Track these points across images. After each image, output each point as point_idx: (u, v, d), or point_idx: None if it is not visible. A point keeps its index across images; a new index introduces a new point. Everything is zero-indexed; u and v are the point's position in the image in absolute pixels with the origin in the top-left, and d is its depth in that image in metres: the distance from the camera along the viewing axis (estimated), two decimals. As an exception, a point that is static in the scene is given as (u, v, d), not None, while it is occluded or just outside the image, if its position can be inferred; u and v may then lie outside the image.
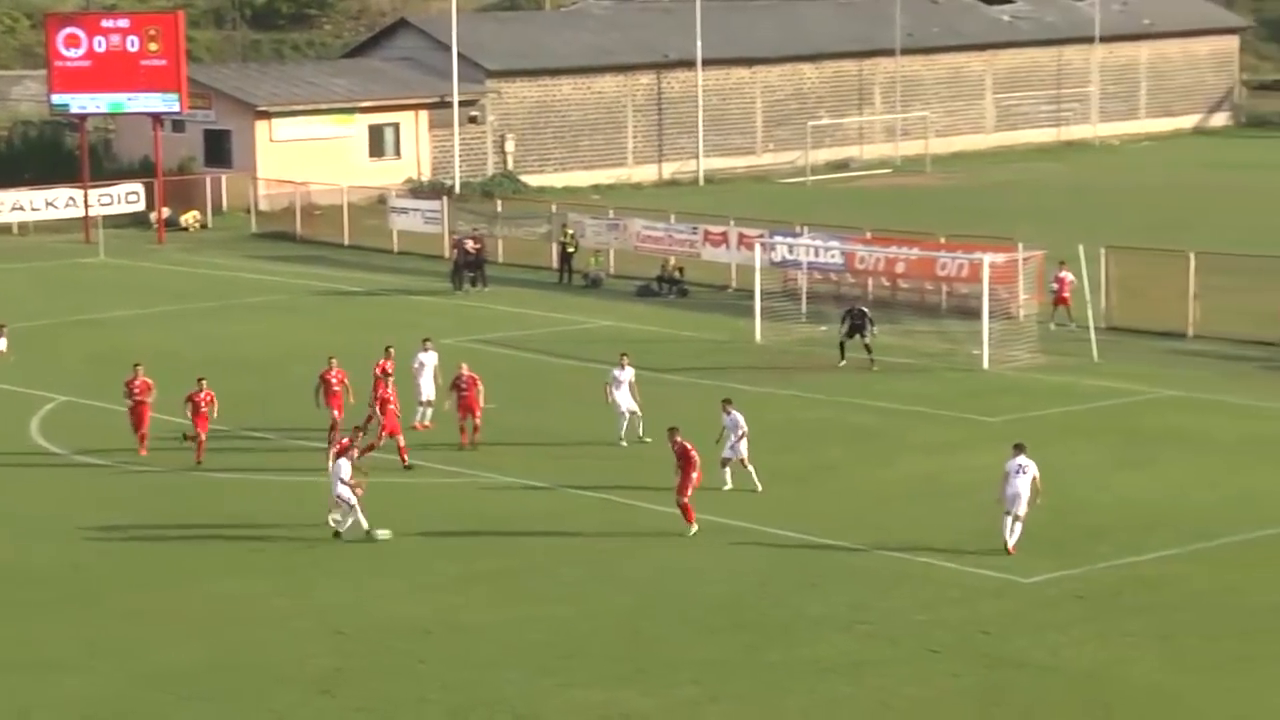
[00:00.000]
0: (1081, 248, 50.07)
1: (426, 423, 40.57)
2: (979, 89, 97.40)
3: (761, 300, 51.02)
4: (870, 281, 54.65)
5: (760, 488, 35.21)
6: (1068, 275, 50.66)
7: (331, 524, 33.32)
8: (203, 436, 38.50)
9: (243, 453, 39.20)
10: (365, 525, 32.92)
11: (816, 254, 54.54)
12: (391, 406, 38.46)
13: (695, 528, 32.75)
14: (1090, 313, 49.19)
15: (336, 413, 39.15)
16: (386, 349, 40.50)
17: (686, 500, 32.85)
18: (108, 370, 44.73)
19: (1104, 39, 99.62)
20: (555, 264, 61.74)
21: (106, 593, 30.72)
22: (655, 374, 44.57)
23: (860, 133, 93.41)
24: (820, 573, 30.98)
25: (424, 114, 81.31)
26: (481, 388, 39.34)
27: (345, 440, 34.42)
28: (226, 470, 37.95)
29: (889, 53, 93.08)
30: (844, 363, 46.23)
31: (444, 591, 30.46)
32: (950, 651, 27.26)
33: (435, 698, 25.93)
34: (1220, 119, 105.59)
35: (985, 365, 46.50)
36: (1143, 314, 50.67)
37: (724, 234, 58.99)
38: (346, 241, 69.01)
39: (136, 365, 40.09)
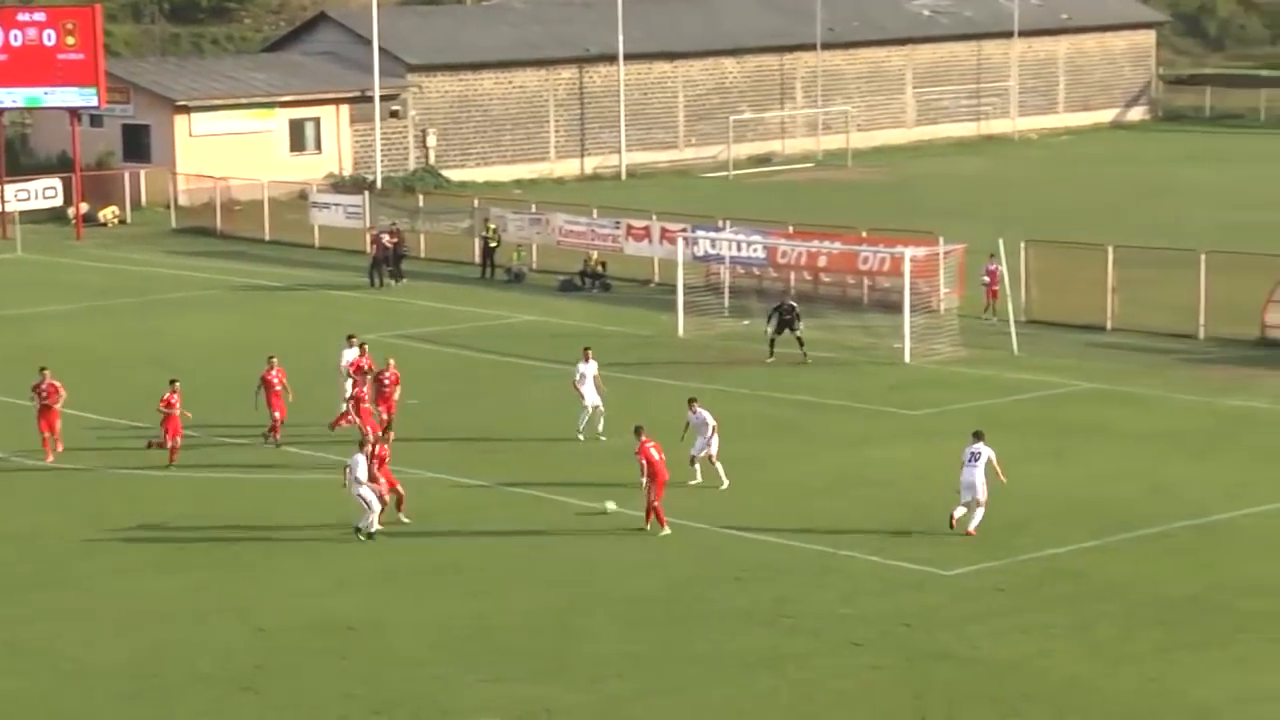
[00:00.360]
0: (1001, 241, 50.42)
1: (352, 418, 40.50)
2: (899, 83, 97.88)
3: (684, 295, 51.11)
4: (792, 276, 54.84)
5: (726, 483, 35.32)
6: (997, 268, 50.98)
7: (364, 529, 32.68)
8: (174, 441, 37.39)
9: (162, 450, 38.91)
10: (376, 526, 32.63)
11: (739, 248, 54.69)
12: (365, 405, 38.50)
13: (667, 529, 32.69)
14: (1010, 306, 49.55)
15: (278, 413, 38.90)
16: (361, 346, 40.54)
17: (658, 504, 32.71)
18: (25, 369, 44.31)
19: (1023, 34, 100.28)
20: (477, 259, 61.63)
21: (27, 592, 30.48)
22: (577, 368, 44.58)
23: (782, 127, 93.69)
24: (745, 567, 31.10)
25: (345, 108, 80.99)
26: (399, 392, 39.33)
27: (383, 448, 33.67)
28: (146, 468, 37.69)
29: (810, 47, 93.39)
30: (772, 359, 46.36)
31: (368, 587, 30.40)
32: (872, 644, 27.42)
33: (359, 694, 25.87)
34: (1137, 113, 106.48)
35: (907, 359, 46.76)
36: (1062, 307, 51.07)
37: (646, 228, 59.06)
38: (267, 237, 68.66)
39: (43, 369, 39.08)
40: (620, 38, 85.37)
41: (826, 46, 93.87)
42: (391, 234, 60.36)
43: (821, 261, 53.87)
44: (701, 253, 54.80)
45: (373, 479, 32.74)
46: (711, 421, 35.53)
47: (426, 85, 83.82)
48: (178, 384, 38.04)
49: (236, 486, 36.41)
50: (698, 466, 35.52)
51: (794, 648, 27.34)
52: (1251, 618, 28.28)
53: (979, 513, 32.34)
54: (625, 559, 31.64)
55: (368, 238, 61.32)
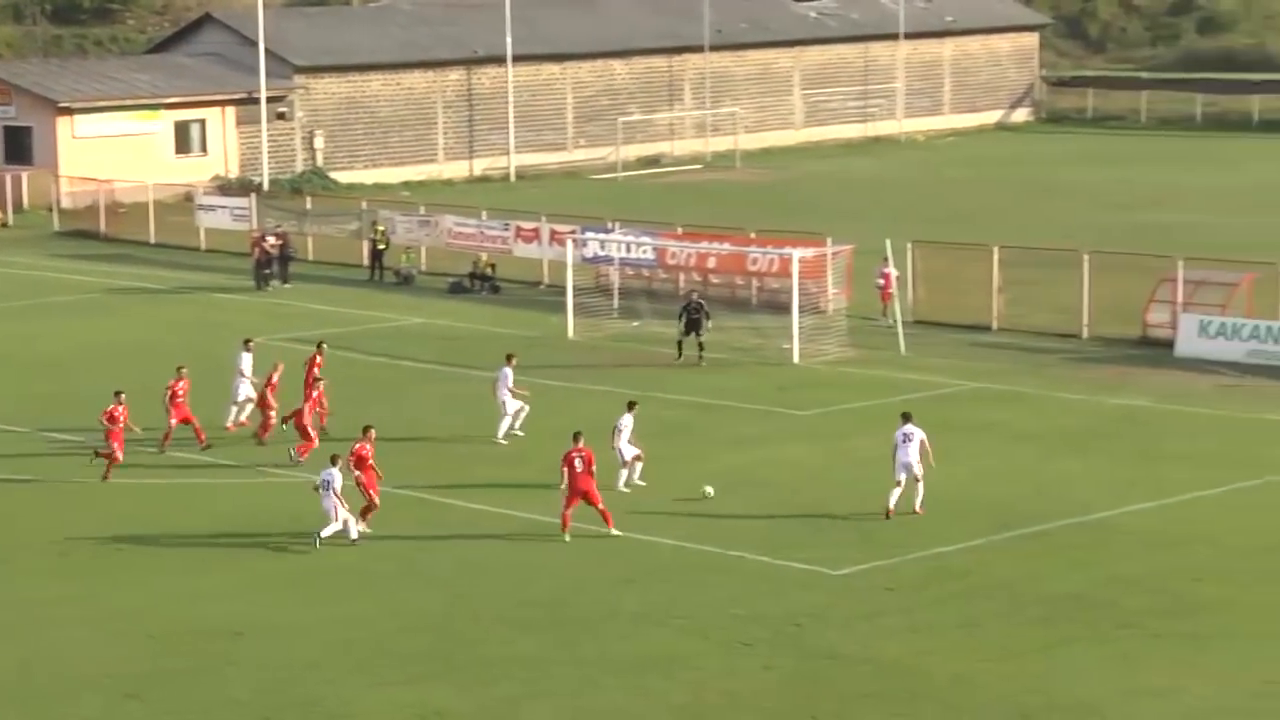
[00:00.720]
0: (889, 243, 50.77)
1: (243, 420, 40.21)
2: (787, 85, 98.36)
3: (574, 296, 51.13)
4: (682, 277, 54.96)
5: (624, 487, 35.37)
6: (892, 270, 51.32)
7: (352, 533, 32.36)
8: (118, 455, 36.65)
9: (43, 456, 38.53)
10: (348, 532, 32.22)
11: (628, 250, 54.77)
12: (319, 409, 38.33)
13: (568, 537, 32.56)
14: (898, 307, 49.93)
15: (174, 420, 38.32)
16: (319, 345, 40.55)
17: (568, 512, 32.53)
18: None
19: (908, 36, 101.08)
20: (366, 261, 61.34)
21: (-93, 600, 30.09)
22: (467, 370, 44.52)
23: (671, 128, 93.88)
24: (636, 568, 31.15)
25: (231, 110, 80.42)
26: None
27: (364, 447, 33.04)
28: (29, 474, 37.26)
29: (698, 49, 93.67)
30: (680, 359, 46.37)
31: (255, 591, 30.20)
32: (762, 644, 27.55)
33: (246, 699, 25.71)
34: (1022, 114, 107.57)
35: (796, 359, 47.00)
36: (949, 308, 51.49)
37: (536, 230, 59.01)
38: (152, 240, 68.04)
39: None
40: (509, 39, 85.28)
41: (714, 48, 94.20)
42: (276, 236, 60.00)
43: (711, 263, 54.03)
44: (591, 254, 54.83)
45: (369, 485, 32.46)
46: (627, 426, 35.48)
47: (313, 87, 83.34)
48: (123, 395, 37.29)
49: (125, 491, 36.05)
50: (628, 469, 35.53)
51: (685, 649, 27.42)
52: (1134, 614, 28.64)
53: (920, 489, 33.43)
54: (516, 562, 31.61)
55: (250, 240, 60.93)
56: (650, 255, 54.66)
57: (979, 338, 49.78)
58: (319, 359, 40.13)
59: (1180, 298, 48.31)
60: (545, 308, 54.13)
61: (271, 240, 59.46)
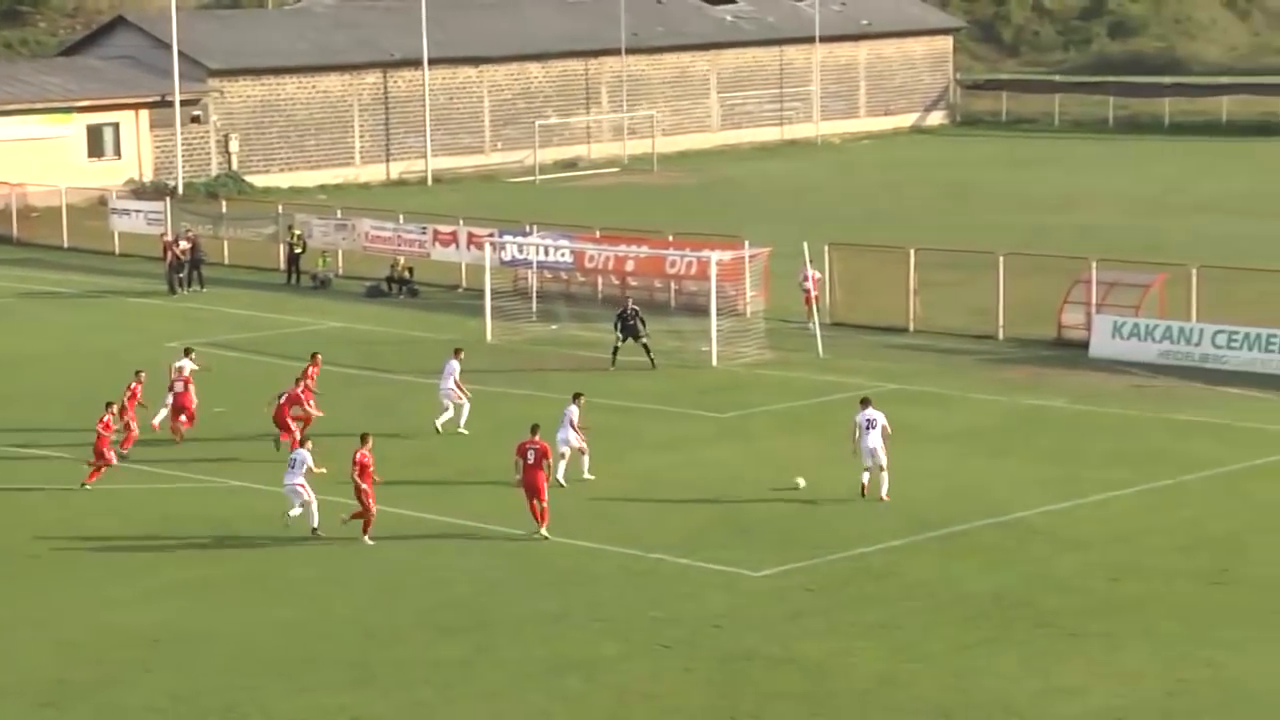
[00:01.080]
0: (806, 245, 50.94)
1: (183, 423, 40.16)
2: (704, 88, 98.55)
3: (492, 300, 51.06)
4: (600, 280, 55.01)
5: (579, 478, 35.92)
6: (816, 273, 51.46)
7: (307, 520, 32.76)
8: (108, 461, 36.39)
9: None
10: (310, 517, 32.74)
11: (546, 253, 54.77)
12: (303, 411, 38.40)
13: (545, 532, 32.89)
14: (815, 310, 50.10)
15: (133, 421, 38.36)
16: (314, 356, 40.59)
17: (538, 505, 32.81)
18: None
19: (824, 39, 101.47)
20: (283, 265, 61.05)
21: None
22: (387, 375, 44.38)
23: (588, 132, 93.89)
24: (555, 571, 31.13)
25: (145, 113, 79.78)
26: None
27: (364, 455, 32.79)
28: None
29: (615, 52, 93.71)
30: (614, 366, 46.30)
31: (172, 598, 29.99)
32: (682, 646, 27.59)
33: (164, 706, 25.52)
34: (937, 117, 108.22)
35: (714, 362, 47.10)
36: (866, 310, 51.73)
37: (453, 234, 58.88)
38: (66, 244, 67.47)
39: None
40: (424, 42, 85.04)
41: (631, 52, 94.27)
42: (187, 239, 59.63)
43: (629, 266, 54.09)
44: (509, 257, 54.78)
45: (369, 494, 32.28)
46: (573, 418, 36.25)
47: (228, 90, 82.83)
48: (114, 406, 37.08)
49: (39, 498, 35.72)
50: (585, 459, 36.13)
51: (605, 651, 27.43)
52: (1051, 614, 28.86)
53: (884, 477, 34.53)
54: (434, 565, 31.53)
55: (161, 245, 60.51)
56: (568, 258, 54.69)
57: (895, 339, 50.03)
58: (313, 373, 40.00)
59: (1094, 299, 48.73)
60: (463, 311, 54.01)
61: (183, 245, 59.09)
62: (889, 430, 34.84)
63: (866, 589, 30.11)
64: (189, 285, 58.58)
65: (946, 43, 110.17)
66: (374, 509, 32.58)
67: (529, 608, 29.30)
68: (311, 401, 38.66)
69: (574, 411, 36.27)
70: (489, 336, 50.34)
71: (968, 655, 27.19)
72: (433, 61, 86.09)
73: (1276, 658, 26.97)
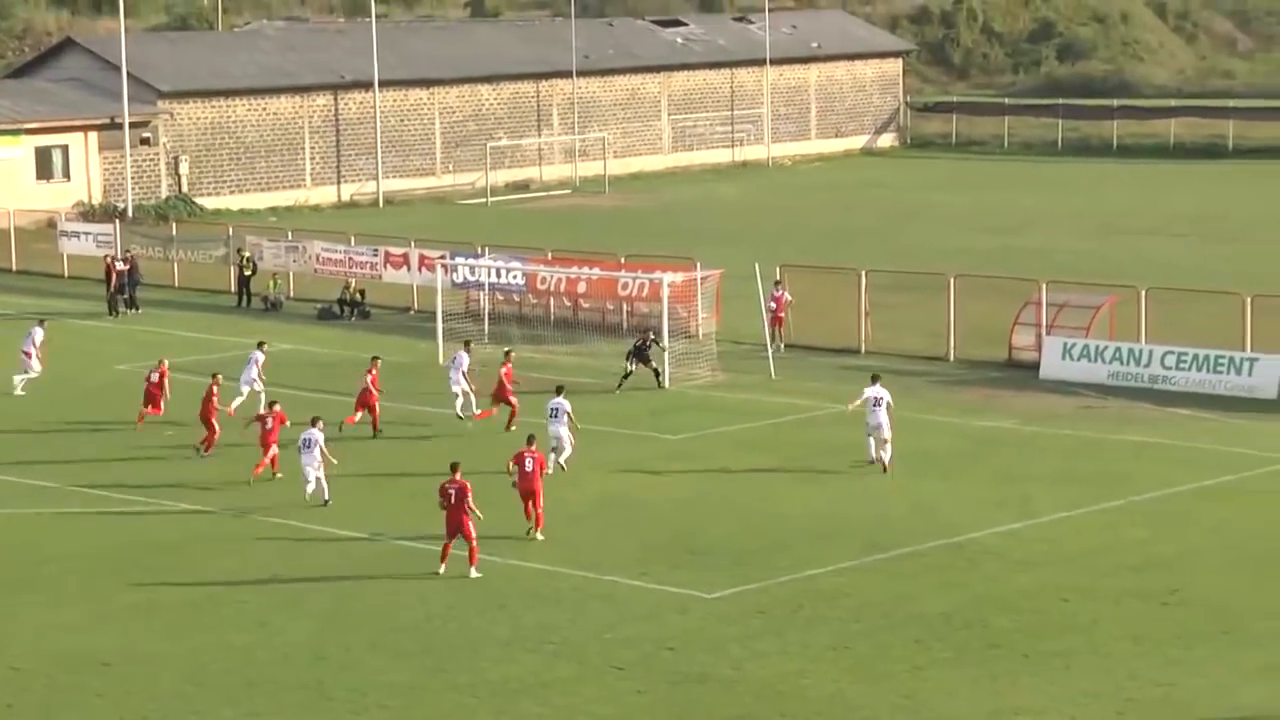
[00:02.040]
0: (758, 266, 51.02)
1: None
2: (655, 110, 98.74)
3: (444, 322, 50.99)
4: (552, 302, 55.00)
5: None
6: (784, 294, 51.51)
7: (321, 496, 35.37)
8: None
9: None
10: (322, 492, 35.75)
11: (498, 275, 54.77)
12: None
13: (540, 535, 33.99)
14: (766, 331, 50.21)
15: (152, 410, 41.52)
16: (374, 360, 42.78)
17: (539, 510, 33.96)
18: None
19: (774, 61, 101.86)
20: (233, 287, 60.86)
21: None
22: (339, 397, 44.23)
23: (539, 154, 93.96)
24: (508, 594, 31.07)
25: (94, 135, 79.47)
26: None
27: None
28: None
29: (566, 75, 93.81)
30: (619, 391, 46.25)
31: (122, 622, 29.82)
32: (635, 668, 27.57)
33: (116, 733, 25.37)
34: (887, 140, 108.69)
35: (666, 384, 47.13)
36: (818, 331, 51.84)
37: (405, 256, 58.81)
38: (14, 267, 67.11)
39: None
40: (375, 64, 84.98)
41: (582, 74, 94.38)
42: (124, 259, 59.40)
43: (581, 288, 54.10)
44: (460, 279, 54.74)
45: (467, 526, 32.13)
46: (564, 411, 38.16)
47: (178, 112, 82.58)
48: (219, 376, 40.57)
49: (-15, 523, 35.52)
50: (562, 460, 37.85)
51: (557, 674, 27.38)
52: (1003, 634, 28.94)
53: (888, 449, 37.91)
54: (386, 588, 31.43)
55: (103, 266, 60.29)
56: (520, 280, 54.67)
57: (847, 361, 50.13)
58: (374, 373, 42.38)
59: (1044, 321, 48.94)
60: (415, 334, 53.92)
61: (120, 266, 58.88)
62: (893, 406, 38.11)
63: (819, 610, 30.14)
64: (127, 307, 58.33)
65: (897, 65, 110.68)
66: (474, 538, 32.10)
67: (481, 630, 29.24)
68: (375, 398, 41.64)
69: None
70: (441, 359, 50.20)
71: (920, 676, 27.24)
72: (383, 83, 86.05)
73: (1226, 677, 27.10)
